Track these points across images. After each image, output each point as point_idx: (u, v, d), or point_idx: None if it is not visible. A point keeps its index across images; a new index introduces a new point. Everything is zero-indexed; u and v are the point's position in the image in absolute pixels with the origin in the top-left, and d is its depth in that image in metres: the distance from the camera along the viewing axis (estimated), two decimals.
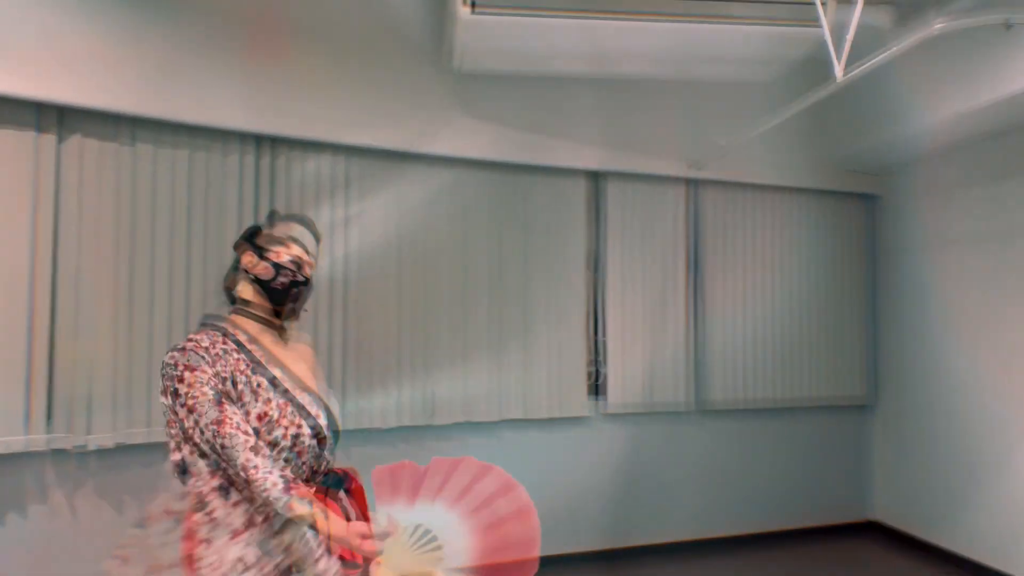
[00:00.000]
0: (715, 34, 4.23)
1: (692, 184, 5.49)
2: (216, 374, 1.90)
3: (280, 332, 2.13)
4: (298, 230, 2.14)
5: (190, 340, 1.94)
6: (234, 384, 1.93)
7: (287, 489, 1.82)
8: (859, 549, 5.54)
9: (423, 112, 4.65)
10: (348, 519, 2.03)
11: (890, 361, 5.88)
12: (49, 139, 3.77)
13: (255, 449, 1.85)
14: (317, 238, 2.20)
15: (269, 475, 1.83)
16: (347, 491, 2.13)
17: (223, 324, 2.05)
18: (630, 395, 5.27)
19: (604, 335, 5.24)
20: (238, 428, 1.86)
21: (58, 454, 3.81)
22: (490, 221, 4.95)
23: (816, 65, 4.60)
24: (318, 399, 2.12)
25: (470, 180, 4.90)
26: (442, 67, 4.67)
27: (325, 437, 2.09)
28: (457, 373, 4.79)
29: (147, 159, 4.02)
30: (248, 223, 4.18)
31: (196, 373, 1.87)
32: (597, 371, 5.25)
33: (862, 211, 6.02)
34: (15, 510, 3.72)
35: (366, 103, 4.46)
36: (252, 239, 2.12)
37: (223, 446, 1.85)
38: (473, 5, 3.97)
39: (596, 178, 5.27)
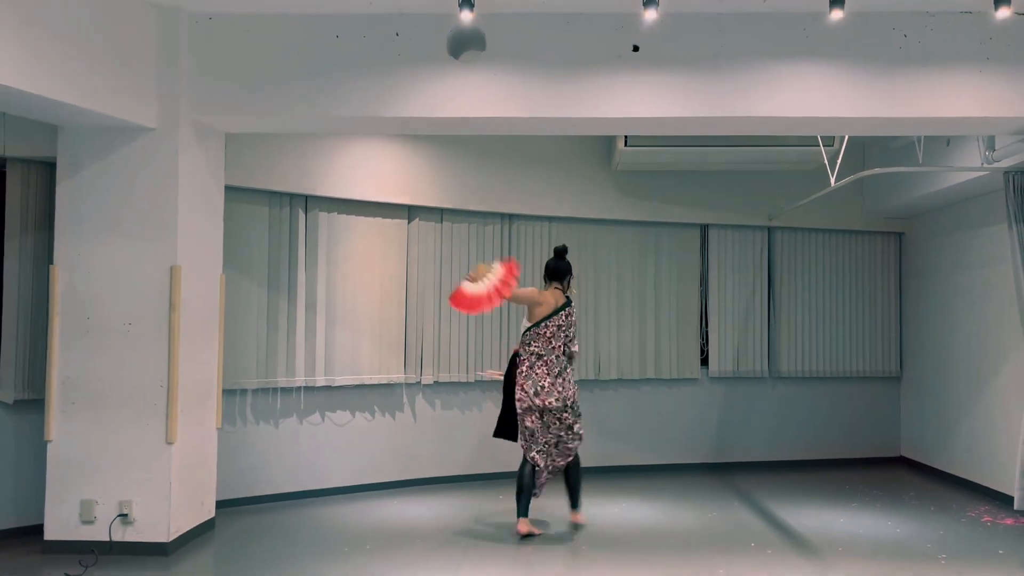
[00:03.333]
0: (771, 152, 7.25)
1: (770, 230, 8.52)
2: None
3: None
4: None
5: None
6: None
7: None
8: (892, 473, 8.31)
9: (597, 193, 7.94)
10: None
11: (912, 346, 8.65)
12: (402, 223, 7.25)
13: None
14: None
15: None
16: None
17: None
18: (725, 365, 8.37)
19: (707, 327, 8.37)
20: None
21: (410, 385, 7.29)
22: (635, 259, 8.18)
23: (856, 150, 7.42)
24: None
25: (623, 234, 8.14)
26: (609, 170, 7.94)
27: None
28: (612, 353, 8.02)
29: (448, 232, 7.45)
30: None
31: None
32: (702, 350, 8.38)
33: (892, 244, 8.83)
34: (391, 412, 7.19)
35: (564, 191, 7.76)
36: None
37: None
38: (626, 144, 7.18)
39: (704, 229, 8.41)
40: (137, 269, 5.07)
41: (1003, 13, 4.45)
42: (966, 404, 7.55)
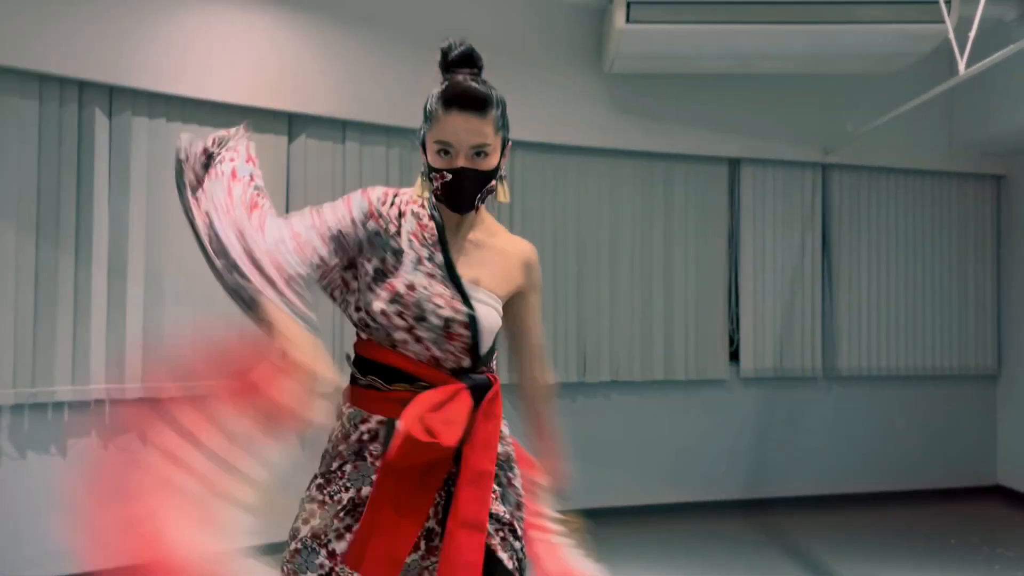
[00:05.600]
0: (844, 34, 4.79)
1: (824, 168, 6.06)
2: None
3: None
4: None
5: None
6: None
7: None
8: (985, 510, 5.97)
9: (579, 110, 5.39)
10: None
11: (1015, 333, 6.25)
12: (280, 140, 4.68)
13: None
14: None
15: None
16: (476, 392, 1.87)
17: None
18: (763, 361, 5.91)
19: (738, 306, 5.93)
20: None
21: None
22: (636, 204, 5.68)
23: (944, 55, 5.02)
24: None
25: (620, 169, 5.63)
26: (600, 71, 5.40)
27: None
28: (604, 340, 5.52)
29: (355, 156, 4.90)
30: None
31: None
32: (732, 339, 5.93)
33: (988, 191, 6.42)
34: None
35: (533, 103, 5.19)
36: None
37: None
38: (628, 18, 4.64)
39: (734, 165, 5.92)
40: None
41: None
42: None
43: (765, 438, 5.99)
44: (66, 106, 4.04)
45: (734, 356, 5.95)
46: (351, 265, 1.88)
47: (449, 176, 1.84)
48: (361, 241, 1.85)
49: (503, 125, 1.91)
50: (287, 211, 4.39)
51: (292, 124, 4.72)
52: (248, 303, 1.69)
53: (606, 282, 5.55)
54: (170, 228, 4.25)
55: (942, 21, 4.51)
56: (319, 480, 1.85)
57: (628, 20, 4.65)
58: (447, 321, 1.82)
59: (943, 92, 4.72)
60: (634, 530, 5.20)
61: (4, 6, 3.83)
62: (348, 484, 1.81)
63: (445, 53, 1.92)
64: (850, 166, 6.08)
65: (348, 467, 1.83)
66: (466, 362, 1.86)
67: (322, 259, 1.80)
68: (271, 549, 1.63)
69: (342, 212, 1.85)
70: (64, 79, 4.02)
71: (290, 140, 4.73)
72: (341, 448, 1.85)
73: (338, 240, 1.82)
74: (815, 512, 5.82)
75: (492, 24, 5.19)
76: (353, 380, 1.89)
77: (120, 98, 4.19)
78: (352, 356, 1.92)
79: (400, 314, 1.81)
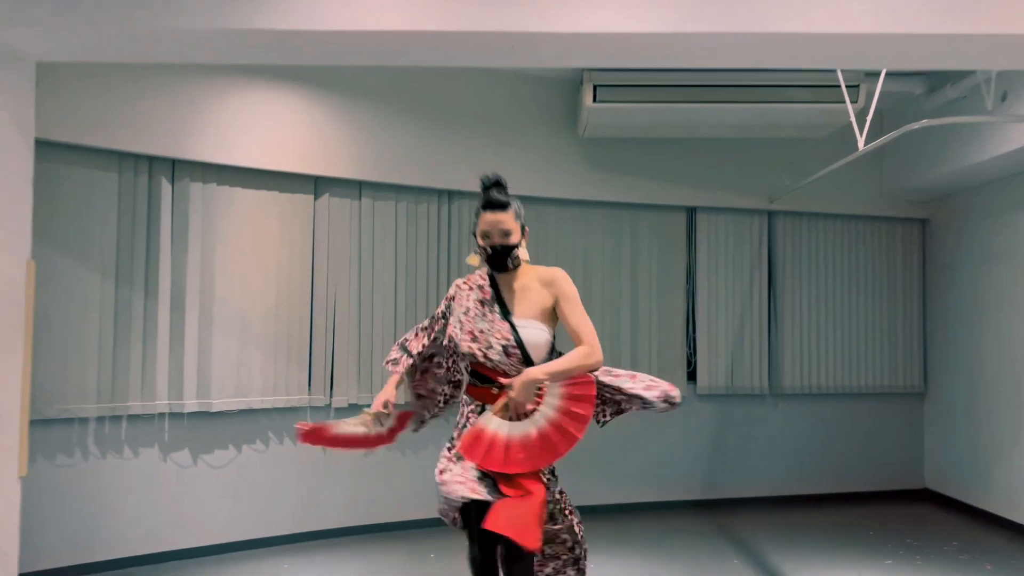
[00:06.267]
0: (775, 111, 5.72)
1: (770, 215, 6.98)
2: None
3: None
4: None
5: None
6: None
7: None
8: (915, 511, 6.80)
9: (558, 168, 6.34)
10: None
11: (939, 356, 7.16)
12: (307, 199, 5.62)
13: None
14: None
15: None
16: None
17: None
18: (716, 380, 6.80)
19: (695, 333, 6.80)
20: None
21: (318, 409, 5.65)
22: (607, 247, 6.60)
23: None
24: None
25: (593, 217, 6.56)
26: (575, 135, 6.34)
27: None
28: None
29: (369, 212, 5.83)
30: (434, 252, 5.96)
31: None
32: (689, 361, 6.81)
33: (915, 233, 7.33)
34: (289, 446, 5.55)
35: (518, 162, 6.15)
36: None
37: None
38: (594, 99, 5.60)
39: (691, 212, 6.84)
40: None
41: None
42: (1005, 425, 6.10)
43: (719, 447, 6.89)
44: (138, 176, 5.00)
45: (691, 376, 6.84)
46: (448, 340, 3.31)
47: (489, 250, 3.16)
48: (445, 312, 3.36)
49: (519, 216, 3.22)
50: (312, 254, 5.37)
51: (317, 185, 5.66)
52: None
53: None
54: (218, 273, 5.21)
55: (855, 101, 5.49)
56: (454, 432, 3.27)
57: (595, 100, 5.60)
58: (504, 347, 3.12)
59: (876, 150, 5.62)
60: (599, 529, 5.94)
61: (90, 100, 4.78)
62: (460, 430, 3.23)
63: (483, 181, 3.28)
64: (792, 212, 7.00)
65: (463, 421, 3.24)
66: (521, 364, 3.14)
67: (432, 340, 3.41)
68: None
69: (440, 308, 3.39)
70: (136, 155, 4.98)
71: (315, 198, 5.67)
72: (459, 417, 3.28)
73: (434, 318, 3.40)
74: (762, 511, 6.64)
75: (486, 99, 6.14)
76: (469, 382, 3.26)
77: (181, 168, 5.14)
78: (468, 369, 3.26)
79: (477, 347, 3.14)
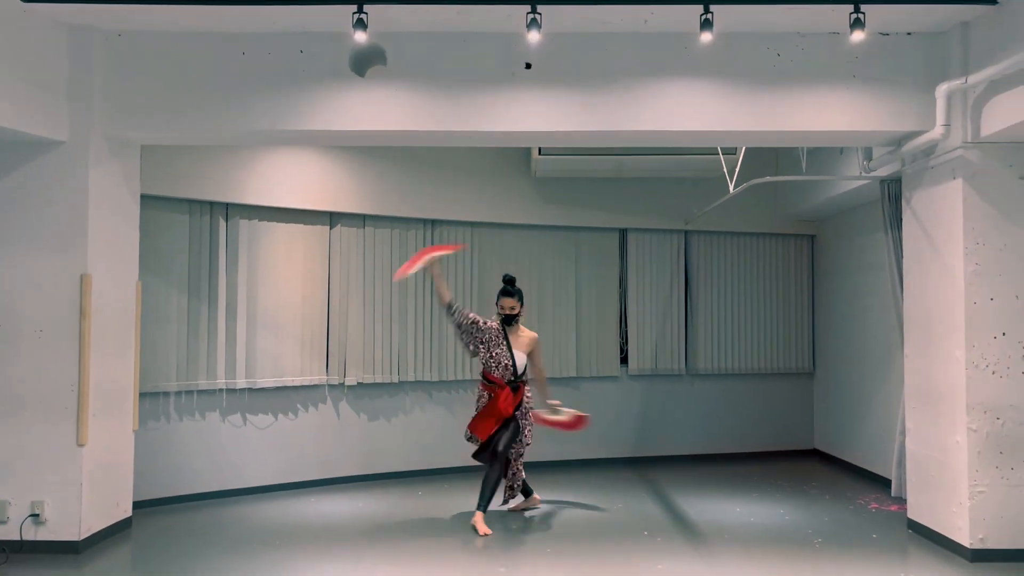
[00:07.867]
0: (682, 160, 7.56)
1: (686, 234, 8.86)
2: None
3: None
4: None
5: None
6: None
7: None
8: (803, 466, 8.65)
9: (515, 200, 8.20)
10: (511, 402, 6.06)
11: (824, 344, 9.04)
12: (324, 229, 7.48)
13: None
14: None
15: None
16: (515, 389, 6.14)
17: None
18: (644, 363, 8.69)
19: (626, 327, 8.69)
20: None
21: (334, 387, 7.52)
22: (556, 262, 8.47)
23: (769, 158, 7.78)
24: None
25: (544, 238, 8.44)
26: (529, 176, 8.21)
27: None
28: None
29: (371, 237, 7.69)
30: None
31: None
32: (622, 349, 8.69)
33: (804, 245, 9.22)
34: (314, 413, 7.42)
35: (485, 198, 8.02)
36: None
37: None
38: (540, 152, 7.46)
39: (623, 233, 8.72)
40: (48, 278, 5.26)
41: (857, 36, 4.79)
42: (869, 398, 7.93)
43: (646, 416, 8.78)
44: (203, 217, 6.84)
45: (624, 360, 8.74)
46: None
47: (504, 315, 6.22)
48: (478, 322, 6.25)
49: (520, 299, 6.31)
50: (328, 271, 7.24)
51: (332, 218, 7.52)
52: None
53: (535, 314, 8.35)
54: (260, 287, 7.06)
55: (733, 153, 7.34)
56: (476, 413, 6.14)
57: (540, 153, 7.46)
58: (505, 365, 6.13)
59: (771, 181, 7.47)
60: (553, 477, 7.79)
61: (170, 164, 6.60)
62: (477, 405, 6.17)
63: (504, 278, 6.38)
64: (704, 231, 8.87)
65: (480, 403, 6.06)
66: (513, 378, 6.13)
67: (472, 322, 6.30)
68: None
69: (480, 319, 6.30)
70: (201, 201, 6.81)
71: (330, 228, 7.53)
72: (477, 404, 6.18)
73: (474, 321, 6.30)
74: (680, 466, 8.49)
75: (462, 152, 8.00)
76: (481, 380, 6.27)
77: (232, 210, 6.98)
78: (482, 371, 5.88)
79: (490, 362, 6.11)
